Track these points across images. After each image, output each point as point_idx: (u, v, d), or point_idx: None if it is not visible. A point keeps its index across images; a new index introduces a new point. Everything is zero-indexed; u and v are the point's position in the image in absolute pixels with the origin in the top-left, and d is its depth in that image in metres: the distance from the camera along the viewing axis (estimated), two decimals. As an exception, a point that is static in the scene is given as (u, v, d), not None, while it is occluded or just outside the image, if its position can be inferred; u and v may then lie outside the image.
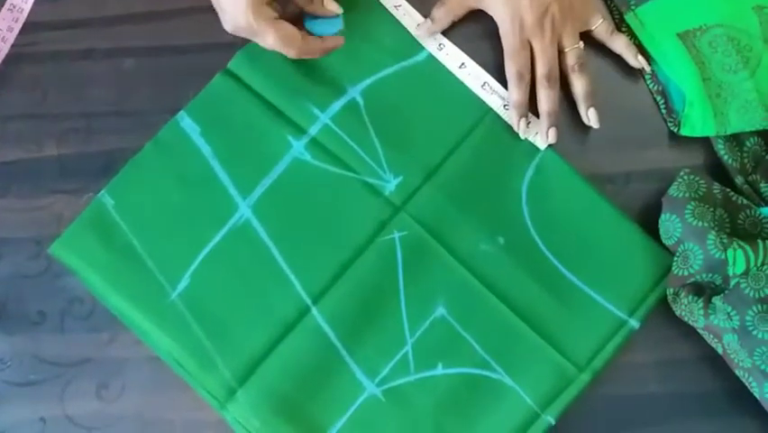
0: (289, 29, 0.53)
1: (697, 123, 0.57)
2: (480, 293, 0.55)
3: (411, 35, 0.59)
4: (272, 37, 0.52)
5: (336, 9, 0.55)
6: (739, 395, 0.54)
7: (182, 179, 0.56)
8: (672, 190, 0.55)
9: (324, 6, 0.55)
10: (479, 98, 0.58)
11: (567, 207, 0.56)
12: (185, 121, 0.57)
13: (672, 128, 0.59)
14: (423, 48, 0.59)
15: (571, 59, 0.57)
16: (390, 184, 0.56)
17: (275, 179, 0.56)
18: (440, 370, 0.54)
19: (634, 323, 0.55)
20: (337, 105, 0.57)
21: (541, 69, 0.57)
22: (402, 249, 0.55)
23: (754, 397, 0.53)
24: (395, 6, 0.59)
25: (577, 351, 0.54)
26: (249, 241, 0.55)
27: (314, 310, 0.54)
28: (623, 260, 0.56)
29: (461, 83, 0.58)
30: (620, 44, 0.59)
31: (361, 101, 0.57)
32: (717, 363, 0.54)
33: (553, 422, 0.54)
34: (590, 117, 0.57)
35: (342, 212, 0.56)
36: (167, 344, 0.54)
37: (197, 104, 0.57)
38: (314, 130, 0.57)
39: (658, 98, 0.59)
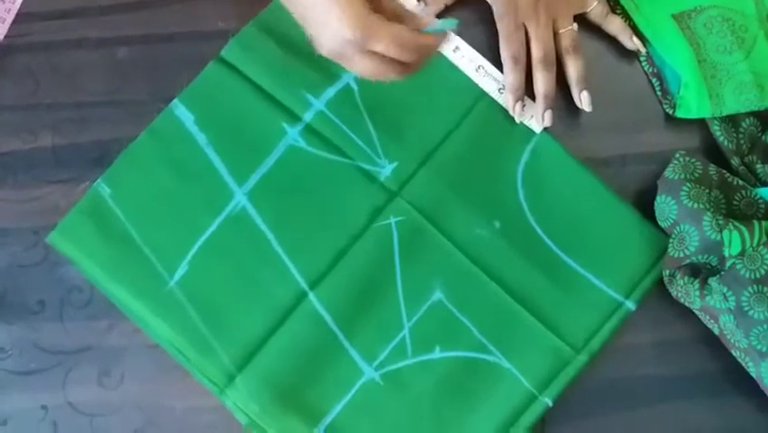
0: (402, 29, 0.45)
1: (692, 104, 0.57)
2: (476, 277, 0.55)
3: None
4: (384, 42, 0.44)
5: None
6: (736, 375, 0.54)
7: (178, 168, 0.56)
8: (668, 172, 0.55)
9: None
10: (473, 82, 0.58)
11: (562, 191, 0.56)
12: (179, 109, 0.57)
13: (667, 110, 0.59)
14: None
15: (565, 41, 0.57)
16: (386, 170, 0.56)
17: (270, 167, 0.56)
18: (437, 353, 0.54)
19: (630, 305, 0.55)
20: (331, 91, 0.57)
21: (536, 52, 0.56)
22: (398, 234, 0.55)
23: (751, 377, 0.53)
24: None
25: (574, 333, 0.55)
26: (245, 228, 0.55)
27: (311, 296, 0.55)
28: (619, 242, 0.56)
29: (456, 67, 0.58)
30: (615, 26, 0.58)
31: (355, 87, 0.57)
32: (714, 344, 0.54)
33: (551, 404, 0.54)
34: (583, 100, 0.57)
35: (338, 198, 0.56)
36: (166, 331, 0.54)
37: (191, 92, 0.57)
38: (308, 116, 0.57)
39: (653, 80, 0.59)
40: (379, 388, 0.54)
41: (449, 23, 0.48)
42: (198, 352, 0.54)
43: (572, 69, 0.57)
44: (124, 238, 0.55)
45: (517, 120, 0.57)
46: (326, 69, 0.57)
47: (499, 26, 0.57)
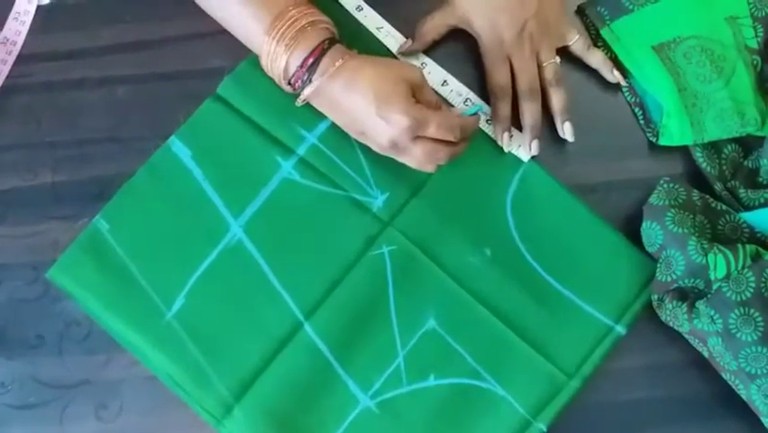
0: (446, 112, 0.54)
1: (675, 132, 0.58)
2: (469, 305, 0.56)
3: (394, 56, 0.60)
4: (434, 126, 0.52)
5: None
6: (727, 398, 0.55)
7: (175, 202, 0.57)
8: (653, 199, 0.56)
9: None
10: (462, 109, 0.59)
11: (551, 218, 0.58)
12: (176, 145, 0.58)
13: (651, 138, 0.60)
14: None
15: (548, 74, 0.59)
16: (378, 200, 0.57)
17: (265, 199, 0.57)
18: (432, 381, 0.55)
19: (620, 329, 0.56)
20: (323, 125, 0.58)
21: (522, 84, 0.58)
22: (391, 263, 0.56)
23: (742, 399, 0.54)
24: (377, 28, 0.61)
25: (566, 358, 0.55)
26: (241, 260, 0.56)
27: (306, 326, 0.55)
28: (608, 268, 0.57)
29: (444, 100, 0.60)
30: (596, 59, 0.60)
31: None
32: (705, 367, 0.55)
33: (545, 429, 0.54)
34: (566, 131, 0.59)
35: (332, 229, 0.57)
36: (163, 363, 0.55)
37: (188, 128, 0.58)
38: (301, 150, 0.58)
39: (636, 110, 0.61)
40: (375, 416, 0.54)
41: (477, 107, 0.58)
42: (196, 383, 0.54)
43: (556, 101, 0.59)
44: (123, 272, 0.56)
45: (506, 149, 0.59)
46: None
47: (485, 60, 0.59)
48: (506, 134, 0.58)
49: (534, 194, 0.58)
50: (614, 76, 0.60)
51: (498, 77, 0.58)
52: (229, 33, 0.56)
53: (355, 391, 0.55)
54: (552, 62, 0.59)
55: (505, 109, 0.58)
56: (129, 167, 0.58)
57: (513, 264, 0.57)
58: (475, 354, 0.55)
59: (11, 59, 0.60)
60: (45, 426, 0.55)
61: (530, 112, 0.58)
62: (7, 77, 0.61)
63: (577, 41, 0.60)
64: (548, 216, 0.58)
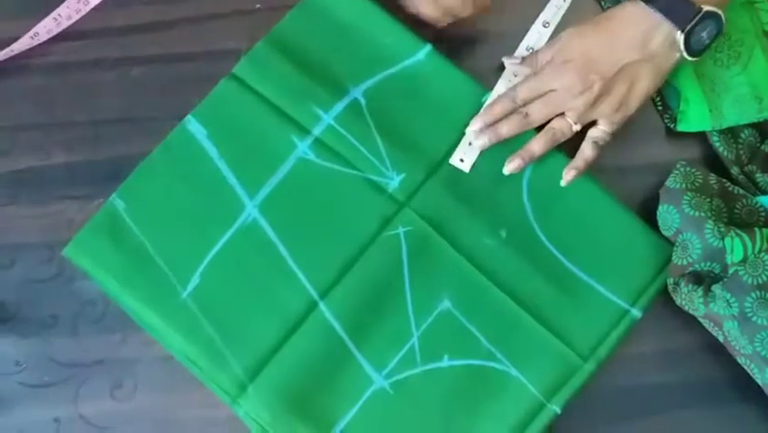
0: None
1: (693, 119, 0.58)
2: (484, 286, 0.56)
3: (411, 34, 0.60)
4: None
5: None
6: (742, 383, 0.55)
7: (191, 181, 0.57)
8: (670, 182, 0.56)
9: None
10: (478, 93, 0.59)
11: (567, 200, 0.58)
12: (192, 124, 0.58)
13: (668, 124, 0.60)
14: (424, 45, 0.60)
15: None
16: (394, 181, 0.57)
17: (280, 179, 0.57)
18: (446, 362, 0.55)
19: (636, 312, 0.56)
20: (340, 105, 0.58)
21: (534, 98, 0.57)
22: (407, 244, 0.56)
23: (757, 385, 0.54)
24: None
25: (581, 341, 0.55)
26: (256, 240, 0.56)
27: (321, 305, 0.55)
28: (624, 250, 0.57)
29: (463, 78, 0.59)
30: (586, 153, 0.57)
31: (363, 101, 0.59)
32: (720, 352, 0.55)
33: (559, 411, 0.54)
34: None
35: (347, 209, 0.57)
36: (179, 342, 0.55)
37: (204, 108, 0.58)
38: (317, 130, 0.58)
39: (654, 96, 0.61)
40: (389, 396, 0.54)
41: None
42: (211, 362, 0.54)
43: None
44: (139, 251, 0.56)
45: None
46: (335, 84, 0.59)
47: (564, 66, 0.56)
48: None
49: (551, 176, 0.58)
50: (566, 177, 0.57)
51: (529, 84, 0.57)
52: (244, 14, 0.55)
53: (369, 370, 0.55)
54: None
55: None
56: (143, 147, 0.58)
57: (528, 246, 0.57)
58: (489, 335, 0.55)
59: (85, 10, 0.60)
60: (60, 405, 0.56)
61: (512, 125, 0.57)
62: (23, 57, 0.60)
63: (599, 129, 0.58)
64: (564, 197, 0.58)
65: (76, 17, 0.61)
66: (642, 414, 0.56)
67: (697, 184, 0.55)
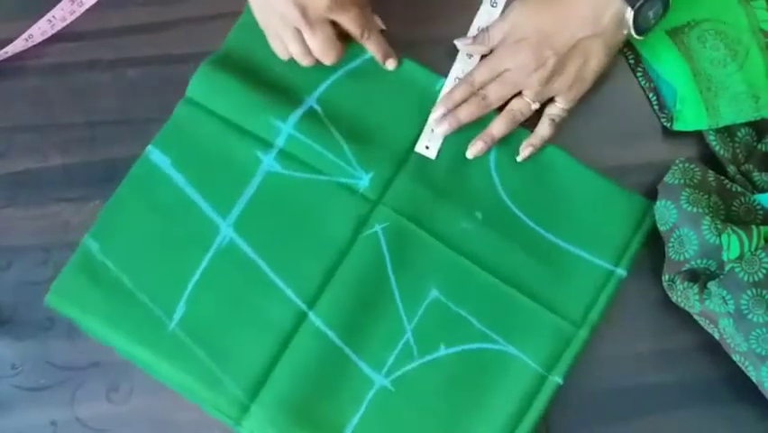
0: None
1: (689, 118, 0.58)
2: (468, 270, 0.56)
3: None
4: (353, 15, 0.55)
5: (393, 66, 0.59)
6: (738, 382, 0.55)
7: (161, 212, 0.56)
8: (668, 178, 0.56)
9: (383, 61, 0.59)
10: (432, 81, 0.59)
11: (535, 171, 0.58)
12: (154, 154, 0.57)
13: (665, 124, 0.60)
14: None
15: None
16: (363, 180, 0.57)
17: (251, 196, 0.57)
18: (443, 351, 0.55)
19: (621, 271, 0.56)
20: (297, 113, 0.58)
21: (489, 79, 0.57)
22: (386, 241, 0.56)
23: (753, 384, 0.54)
24: None
25: (571, 309, 0.55)
26: (236, 260, 0.56)
27: (311, 315, 0.55)
28: (600, 212, 0.57)
29: (414, 67, 0.59)
30: (542, 130, 0.58)
31: (318, 108, 0.58)
32: (716, 352, 0.55)
33: (561, 382, 0.54)
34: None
35: (322, 215, 0.56)
36: (174, 373, 0.54)
37: (164, 135, 0.58)
38: (280, 141, 0.57)
39: (650, 95, 0.61)
40: (392, 394, 0.54)
41: None
42: (209, 389, 0.54)
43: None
44: (119, 289, 0.55)
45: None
46: (289, 94, 0.58)
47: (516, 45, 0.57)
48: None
49: (515, 150, 0.58)
50: (522, 153, 0.58)
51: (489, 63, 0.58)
52: (240, 16, 0.55)
53: (368, 372, 0.55)
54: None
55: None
56: (139, 149, 0.58)
57: (506, 224, 0.57)
58: (481, 317, 0.55)
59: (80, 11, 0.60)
60: (56, 407, 0.55)
61: (471, 109, 0.57)
62: (19, 58, 0.60)
63: (556, 107, 0.58)
64: (532, 169, 0.58)
65: (70, 18, 0.60)
66: (638, 414, 0.56)
67: (695, 180, 0.55)
